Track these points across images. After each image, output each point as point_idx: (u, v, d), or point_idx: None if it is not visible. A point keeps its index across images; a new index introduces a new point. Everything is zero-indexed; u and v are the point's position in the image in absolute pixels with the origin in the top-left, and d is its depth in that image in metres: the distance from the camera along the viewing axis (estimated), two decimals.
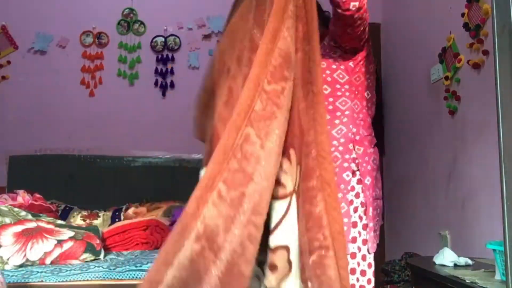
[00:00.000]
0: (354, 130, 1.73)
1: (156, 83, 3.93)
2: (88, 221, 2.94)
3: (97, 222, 2.93)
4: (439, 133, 3.04)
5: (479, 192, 2.56)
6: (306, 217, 1.25)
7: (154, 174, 3.71)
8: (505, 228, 1.23)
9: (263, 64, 1.23)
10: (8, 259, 2.00)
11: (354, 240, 1.65)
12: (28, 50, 3.84)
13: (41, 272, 1.91)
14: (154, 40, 3.95)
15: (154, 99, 3.92)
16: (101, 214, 3.06)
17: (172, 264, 1.16)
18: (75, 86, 3.85)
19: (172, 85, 3.93)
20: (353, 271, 1.63)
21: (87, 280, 1.88)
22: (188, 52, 3.97)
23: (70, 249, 2.09)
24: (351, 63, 1.74)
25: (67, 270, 1.94)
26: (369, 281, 1.67)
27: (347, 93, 1.74)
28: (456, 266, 2.18)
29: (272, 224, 1.24)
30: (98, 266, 2.01)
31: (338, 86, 1.74)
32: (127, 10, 3.95)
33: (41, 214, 2.38)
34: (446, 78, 2.91)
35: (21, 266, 2.01)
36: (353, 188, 1.69)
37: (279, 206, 1.24)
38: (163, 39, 3.95)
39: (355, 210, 1.68)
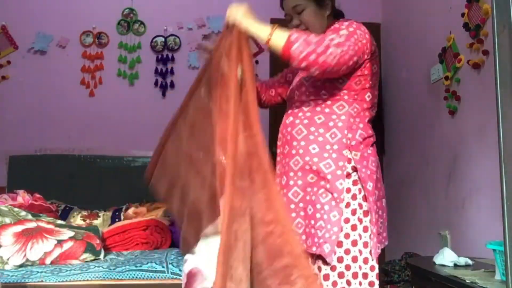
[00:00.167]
0: (350, 135, 1.67)
1: (156, 83, 3.93)
2: (88, 221, 2.94)
3: (97, 222, 2.93)
4: (439, 133, 3.05)
5: (479, 192, 2.56)
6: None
7: None
8: (505, 228, 1.23)
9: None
10: (8, 259, 2.00)
11: (354, 243, 1.61)
12: (28, 50, 3.84)
13: (41, 272, 1.91)
14: (154, 40, 3.95)
15: (154, 99, 3.92)
16: (101, 214, 3.05)
17: None
18: (75, 86, 3.85)
19: (172, 85, 3.94)
20: (355, 275, 1.59)
21: (87, 280, 1.88)
22: (188, 52, 3.97)
23: (70, 249, 2.09)
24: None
25: (67, 270, 1.93)
26: (371, 284, 1.62)
27: (345, 97, 1.69)
28: (456, 266, 2.18)
29: None
30: (98, 266, 2.00)
31: (336, 91, 1.69)
32: (127, 10, 3.95)
33: (41, 214, 2.38)
34: (446, 78, 2.91)
35: (21, 266, 2.00)
36: (348, 190, 1.63)
37: None
38: (163, 39, 3.95)
39: (353, 212, 1.63)
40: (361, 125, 1.70)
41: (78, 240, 2.13)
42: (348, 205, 1.63)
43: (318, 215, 1.62)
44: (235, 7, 1.61)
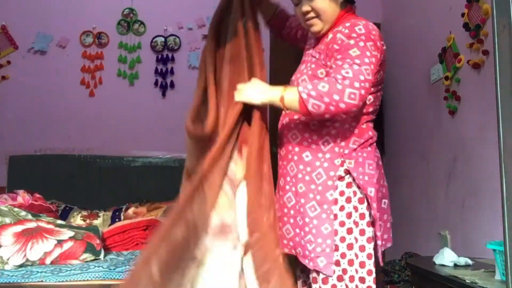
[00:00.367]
0: (343, 143, 1.61)
1: (156, 83, 3.93)
2: (88, 221, 2.94)
3: (97, 222, 2.93)
4: (439, 133, 3.05)
5: (479, 192, 2.56)
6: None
7: (154, 174, 3.71)
8: (505, 228, 1.23)
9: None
10: (8, 259, 2.00)
11: (350, 247, 1.57)
12: (28, 50, 3.84)
13: (41, 272, 1.91)
14: (154, 40, 3.95)
15: (154, 99, 3.92)
16: (101, 214, 3.05)
17: None
18: (75, 86, 3.85)
19: (172, 85, 3.93)
20: (351, 279, 1.56)
21: (87, 280, 1.88)
22: (188, 52, 3.97)
23: (70, 249, 2.09)
24: None
25: (67, 270, 1.94)
26: None
27: None
28: (456, 266, 2.18)
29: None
30: (98, 266, 2.01)
31: None
32: (127, 10, 3.95)
33: (41, 214, 2.38)
34: (446, 78, 2.91)
35: (21, 266, 2.00)
36: (342, 193, 1.59)
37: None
38: (163, 39, 3.95)
39: (348, 215, 1.58)
40: (356, 131, 1.64)
41: (78, 240, 2.13)
42: (342, 208, 1.58)
43: (307, 229, 1.58)
44: (245, 88, 1.63)
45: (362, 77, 1.49)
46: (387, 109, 3.86)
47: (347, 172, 1.60)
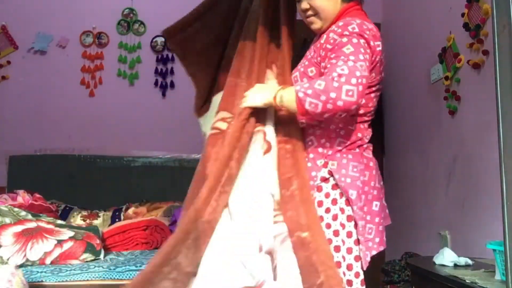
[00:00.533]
0: (328, 144, 1.59)
1: (156, 83, 3.93)
2: (88, 221, 2.94)
3: (97, 222, 2.93)
4: (439, 133, 3.05)
5: (479, 192, 2.56)
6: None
7: (154, 174, 3.71)
8: (505, 228, 1.23)
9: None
10: (8, 259, 2.00)
11: (337, 249, 1.54)
12: (28, 50, 3.84)
13: (41, 272, 1.91)
14: (154, 40, 3.95)
15: (154, 99, 3.92)
16: (101, 214, 3.06)
17: None
18: (75, 86, 3.85)
19: (172, 85, 3.93)
20: None
21: (87, 280, 1.88)
22: None
23: (70, 249, 2.09)
24: None
25: (67, 270, 1.94)
26: None
27: None
28: (456, 266, 2.18)
29: None
30: (98, 266, 2.01)
31: None
32: (127, 10, 3.95)
33: (41, 214, 2.38)
34: (446, 78, 2.91)
35: (21, 266, 2.00)
36: (328, 195, 1.57)
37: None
38: (163, 39, 3.95)
39: (335, 217, 1.55)
40: (342, 132, 1.61)
41: (78, 240, 2.13)
42: (328, 210, 1.56)
43: None
44: (248, 94, 1.62)
45: (358, 73, 1.45)
46: (387, 109, 3.86)
47: (331, 173, 1.57)
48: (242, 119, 1.59)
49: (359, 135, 1.64)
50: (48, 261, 2.05)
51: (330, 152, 1.59)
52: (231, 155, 1.54)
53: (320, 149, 1.60)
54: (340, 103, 1.44)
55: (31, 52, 3.84)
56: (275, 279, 1.43)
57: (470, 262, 2.20)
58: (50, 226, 2.17)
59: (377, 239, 1.60)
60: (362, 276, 1.56)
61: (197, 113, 2.04)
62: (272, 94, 1.56)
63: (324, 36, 1.62)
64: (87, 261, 2.10)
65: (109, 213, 3.07)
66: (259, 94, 1.60)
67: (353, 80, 1.44)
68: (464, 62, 2.72)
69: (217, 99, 1.84)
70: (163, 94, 3.92)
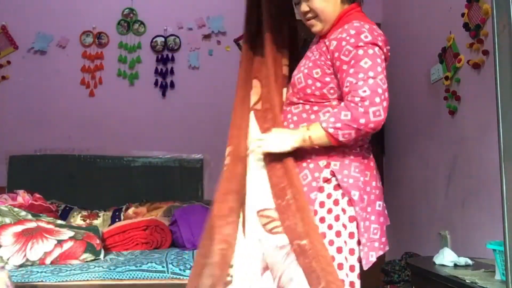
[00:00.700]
0: (330, 145, 1.57)
1: (156, 83, 3.93)
2: (88, 221, 2.94)
3: (97, 222, 2.94)
4: (439, 133, 3.05)
5: (479, 192, 2.56)
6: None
7: (154, 174, 3.72)
8: (505, 228, 1.23)
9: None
10: (8, 259, 2.00)
11: (339, 250, 1.53)
12: (28, 50, 3.84)
13: (41, 272, 1.91)
14: (154, 40, 3.95)
15: (154, 99, 3.92)
16: (101, 214, 3.06)
17: None
18: (75, 86, 3.85)
19: (172, 85, 3.93)
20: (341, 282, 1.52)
21: (87, 280, 1.88)
22: (188, 52, 3.97)
23: (70, 249, 2.09)
24: None
25: (67, 270, 1.94)
26: None
27: (334, 103, 1.61)
28: (456, 266, 2.18)
29: None
30: (98, 266, 2.01)
31: (325, 98, 1.62)
32: (127, 10, 3.95)
33: (41, 214, 2.38)
34: (446, 78, 2.91)
35: (21, 266, 2.01)
36: (329, 196, 1.56)
37: None
38: (163, 39, 3.95)
39: (336, 218, 1.55)
40: None
41: (78, 240, 2.13)
42: (330, 211, 1.55)
43: None
44: (269, 140, 1.61)
45: (380, 90, 1.47)
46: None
47: (333, 174, 1.58)
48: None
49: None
50: (48, 261, 2.05)
51: (333, 153, 1.59)
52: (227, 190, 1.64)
53: (322, 150, 1.60)
54: (371, 125, 1.47)
55: (31, 52, 3.84)
56: None
57: (470, 262, 2.20)
58: (50, 226, 2.17)
59: (383, 239, 1.60)
60: (359, 279, 1.56)
61: None
62: (298, 140, 1.56)
63: (334, 42, 1.58)
64: (87, 261, 2.10)
65: (109, 213, 3.07)
66: (284, 140, 1.59)
67: (377, 99, 1.46)
68: (464, 62, 2.72)
69: None
70: (163, 94, 3.92)
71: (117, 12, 3.94)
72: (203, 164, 3.68)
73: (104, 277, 1.90)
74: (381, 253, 1.58)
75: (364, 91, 1.46)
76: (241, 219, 1.61)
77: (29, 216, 2.23)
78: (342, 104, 1.52)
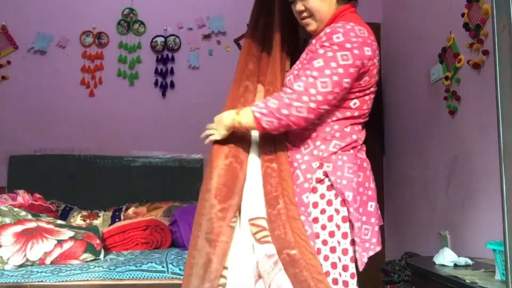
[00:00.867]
0: (323, 147, 1.59)
1: (156, 83, 3.93)
2: (88, 221, 2.94)
3: (97, 222, 2.94)
4: (439, 133, 3.05)
5: (479, 192, 2.56)
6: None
7: (154, 174, 3.72)
8: (505, 228, 1.23)
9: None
10: (8, 259, 2.00)
11: (333, 250, 1.54)
12: (28, 50, 3.84)
13: (41, 272, 1.91)
14: (154, 40, 3.95)
15: (154, 99, 3.92)
16: (101, 214, 3.06)
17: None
18: (75, 86, 3.85)
19: (172, 85, 3.93)
20: (335, 282, 1.53)
21: (87, 280, 1.88)
22: (188, 52, 3.97)
23: (70, 249, 2.09)
24: None
25: (67, 270, 1.94)
26: None
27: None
28: (456, 266, 2.18)
29: None
30: (98, 266, 2.01)
31: None
32: (127, 10, 3.95)
33: (41, 214, 2.38)
34: (446, 78, 2.91)
35: (21, 266, 2.01)
36: (323, 196, 1.57)
37: None
38: (163, 39, 3.95)
39: (330, 219, 1.55)
40: (337, 134, 1.60)
41: (78, 240, 2.13)
42: (323, 211, 1.56)
43: None
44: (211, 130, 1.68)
45: (313, 91, 1.50)
46: (387, 109, 3.86)
47: (326, 174, 1.58)
48: (215, 149, 1.70)
49: (354, 137, 1.63)
50: (48, 261, 2.05)
51: (325, 154, 1.59)
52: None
53: (315, 152, 1.61)
54: (292, 118, 1.52)
55: (31, 52, 3.84)
56: None
57: (470, 262, 2.20)
58: (50, 226, 2.17)
59: (373, 240, 1.60)
60: (356, 278, 1.56)
61: None
62: (230, 122, 1.63)
63: (313, 41, 1.63)
64: (87, 261, 2.10)
65: (109, 213, 3.07)
66: (220, 127, 1.66)
67: (305, 98, 1.51)
68: (464, 62, 2.72)
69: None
70: (163, 94, 3.92)
71: (117, 12, 3.95)
72: (203, 164, 3.68)
73: (104, 277, 1.90)
74: (371, 253, 1.59)
75: (299, 86, 1.53)
76: (238, 222, 1.60)
77: (29, 216, 2.23)
78: (278, 92, 1.59)
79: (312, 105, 1.51)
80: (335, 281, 1.53)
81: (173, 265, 2.02)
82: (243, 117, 1.60)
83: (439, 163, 3.03)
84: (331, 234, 1.55)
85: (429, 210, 3.14)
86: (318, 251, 1.54)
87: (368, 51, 1.56)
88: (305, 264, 1.46)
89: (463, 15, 2.71)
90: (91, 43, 3.90)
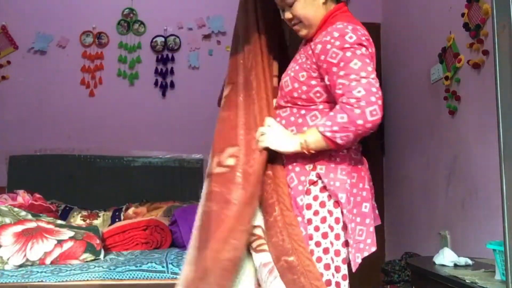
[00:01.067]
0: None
1: (156, 83, 3.93)
2: (88, 221, 2.94)
3: (97, 222, 2.93)
4: (439, 133, 3.05)
5: (479, 192, 2.56)
6: None
7: (154, 174, 3.72)
8: (505, 228, 1.23)
9: None
10: (8, 259, 2.00)
11: (326, 251, 1.54)
12: (28, 50, 3.84)
13: (41, 272, 1.91)
14: (154, 40, 3.95)
15: (154, 99, 3.92)
16: (101, 214, 3.06)
17: None
18: (75, 86, 3.85)
19: (172, 85, 3.94)
20: (328, 283, 1.52)
21: (87, 280, 1.88)
22: (188, 52, 3.97)
23: (70, 249, 2.09)
24: None
25: (67, 270, 1.93)
26: None
27: (320, 106, 1.61)
28: (456, 266, 2.18)
29: None
30: (98, 266, 2.00)
31: (312, 102, 1.62)
32: (127, 10, 3.96)
33: (41, 214, 2.38)
34: (446, 78, 2.91)
35: (21, 266, 2.00)
36: (316, 198, 1.57)
37: None
38: (163, 39, 3.95)
39: (323, 220, 1.55)
40: None
41: (78, 240, 2.13)
42: (316, 213, 1.56)
43: None
44: (266, 133, 1.61)
45: (374, 89, 1.46)
46: (387, 109, 3.85)
47: (319, 176, 1.58)
48: (264, 158, 1.61)
49: None
50: (48, 261, 2.04)
51: (318, 157, 1.59)
52: (254, 195, 1.57)
53: (308, 154, 1.59)
54: (369, 125, 1.46)
55: (31, 52, 3.84)
56: None
57: (470, 262, 2.20)
58: (50, 226, 2.17)
59: (368, 240, 1.60)
60: (347, 279, 1.56)
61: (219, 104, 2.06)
62: (296, 146, 1.56)
63: (319, 46, 1.58)
64: (87, 261, 2.10)
65: (109, 213, 3.07)
66: (284, 143, 1.60)
67: (373, 98, 1.45)
68: (464, 62, 2.72)
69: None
70: (163, 94, 3.93)
71: (117, 12, 3.95)
72: (203, 164, 3.68)
73: (104, 277, 1.90)
74: (366, 254, 1.58)
75: (359, 91, 1.46)
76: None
77: (29, 216, 2.23)
78: (338, 107, 1.51)
79: (380, 102, 1.47)
80: (329, 282, 1.53)
81: (173, 265, 2.02)
82: (310, 141, 1.53)
83: (439, 163, 3.03)
84: (324, 236, 1.55)
85: (429, 210, 3.14)
86: (312, 252, 1.54)
87: (373, 48, 1.60)
88: (303, 271, 1.46)
89: (463, 15, 2.71)
90: (91, 43, 3.90)
